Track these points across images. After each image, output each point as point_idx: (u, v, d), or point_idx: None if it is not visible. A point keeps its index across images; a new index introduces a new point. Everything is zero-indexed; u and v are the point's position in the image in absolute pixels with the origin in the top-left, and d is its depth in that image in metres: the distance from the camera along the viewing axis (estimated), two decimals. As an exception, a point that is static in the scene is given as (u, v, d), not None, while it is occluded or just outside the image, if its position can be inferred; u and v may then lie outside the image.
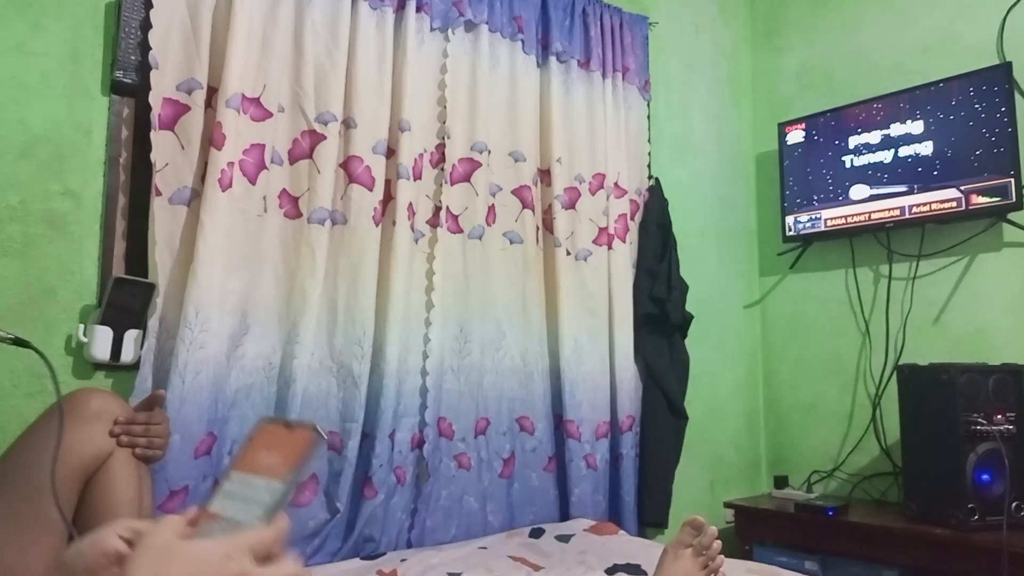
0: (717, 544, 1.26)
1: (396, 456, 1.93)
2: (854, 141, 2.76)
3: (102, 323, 1.58)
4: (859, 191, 2.73)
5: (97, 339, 1.58)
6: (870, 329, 2.77)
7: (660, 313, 2.54)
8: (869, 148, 2.72)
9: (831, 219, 2.80)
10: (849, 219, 2.75)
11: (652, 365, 2.51)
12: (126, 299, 1.60)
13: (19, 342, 1.13)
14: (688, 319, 2.62)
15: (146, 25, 1.67)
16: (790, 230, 2.91)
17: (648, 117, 2.72)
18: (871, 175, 2.70)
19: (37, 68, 1.59)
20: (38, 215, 1.58)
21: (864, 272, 2.81)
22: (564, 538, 1.98)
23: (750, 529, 2.60)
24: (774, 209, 3.05)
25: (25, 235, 1.56)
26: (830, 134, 2.83)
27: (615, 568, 1.72)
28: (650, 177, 2.69)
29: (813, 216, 2.84)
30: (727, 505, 2.68)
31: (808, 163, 2.88)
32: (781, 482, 2.80)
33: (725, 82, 3.14)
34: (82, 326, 1.59)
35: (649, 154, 2.71)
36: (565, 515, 2.24)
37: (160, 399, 1.34)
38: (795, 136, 2.92)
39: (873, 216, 2.69)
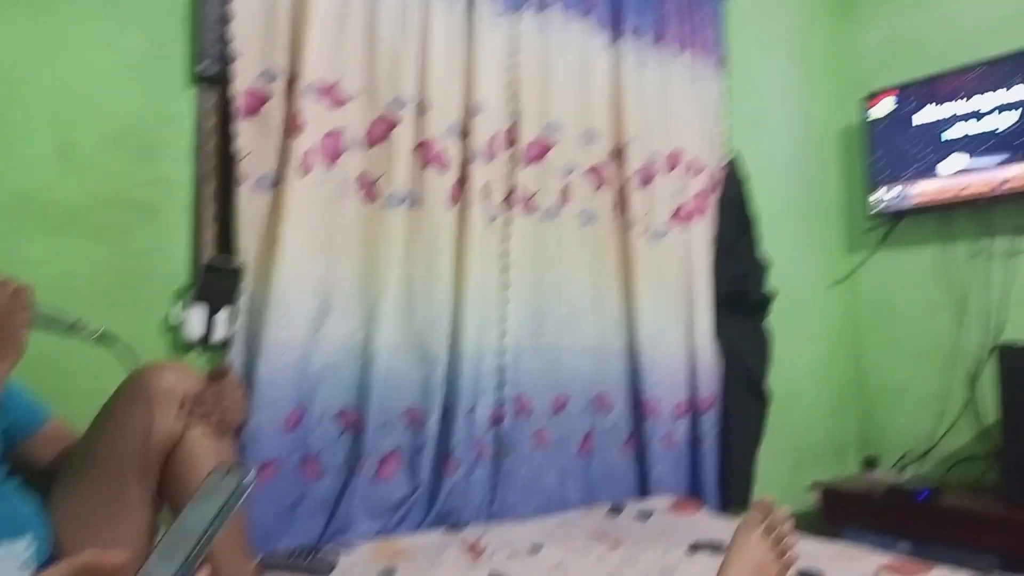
0: (788, 524, 1.23)
1: (476, 433, 1.95)
2: (945, 112, 2.62)
3: (195, 305, 1.66)
4: (951, 164, 2.60)
5: (190, 320, 1.66)
6: (966, 308, 2.64)
7: (739, 292, 2.48)
8: (961, 119, 2.58)
9: (921, 193, 2.67)
10: (941, 193, 2.62)
11: (732, 344, 2.46)
12: (216, 281, 1.68)
13: (103, 340, 1.17)
14: (769, 298, 2.56)
15: (227, 17, 1.74)
16: (877, 206, 2.79)
17: (723, 93, 2.65)
18: (964, 147, 2.56)
19: (126, 61, 1.67)
20: (131, 203, 1.66)
21: (958, 248, 2.68)
22: (645, 515, 1.97)
23: (838, 511, 2.53)
24: (858, 186, 2.93)
25: (120, 222, 1.64)
26: (918, 105, 2.70)
27: (697, 546, 1.69)
28: (727, 154, 2.63)
29: (901, 191, 2.72)
30: (815, 486, 2.61)
31: (894, 137, 2.75)
32: (871, 464, 2.70)
33: (802, 56, 3.04)
34: (176, 308, 1.67)
35: (725, 131, 2.65)
36: (644, 493, 2.22)
37: (227, 370, 1.31)
38: (880, 109, 2.80)
39: (967, 190, 2.55)
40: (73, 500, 1.17)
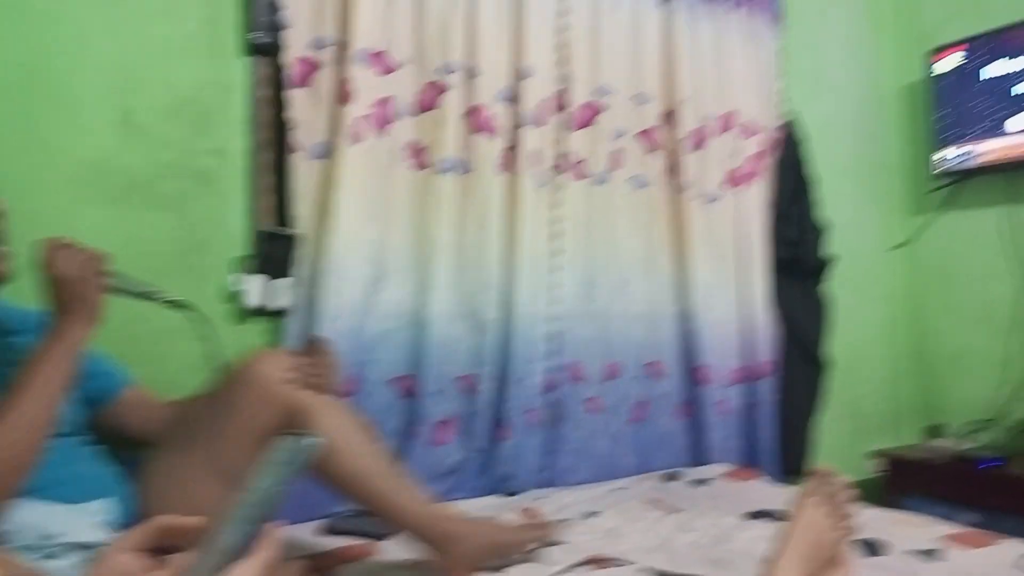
0: (847, 492, 1.20)
1: (528, 399, 1.96)
2: (1016, 65, 2.49)
3: (253, 272, 1.69)
4: (1019, 122, 2.48)
5: (250, 288, 1.69)
6: (1033, 270, 2.53)
7: (796, 257, 2.42)
8: (1031, 73, 2.45)
9: (987, 153, 2.55)
10: (1009, 152, 2.50)
11: (788, 310, 2.41)
12: (274, 250, 1.71)
13: (177, 305, 1.19)
14: (827, 262, 2.49)
15: (278, -15, 1.74)
16: (940, 166, 2.68)
17: (780, 51, 2.57)
18: (1034, 102, 2.44)
19: (181, 32, 1.69)
20: (189, 172, 1.69)
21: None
22: (700, 482, 1.96)
23: (900, 480, 2.47)
24: (921, 145, 2.82)
25: (178, 191, 1.68)
26: (987, 60, 2.56)
27: (753, 513, 1.67)
28: (784, 115, 2.55)
29: (966, 150, 2.61)
30: (877, 454, 2.55)
31: (961, 93, 2.63)
32: (934, 432, 2.63)
33: (864, 9, 2.92)
34: (235, 275, 1.70)
35: (782, 90, 2.56)
36: (699, 461, 2.20)
37: (322, 342, 1.38)
38: (946, 64, 2.67)
39: (1036, 148, 2.43)
40: (174, 479, 1.21)
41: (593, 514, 1.67)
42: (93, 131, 1.59)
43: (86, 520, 1.12)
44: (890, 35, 2.97)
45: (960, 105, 2.63)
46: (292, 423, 1.19)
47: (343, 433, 1.20)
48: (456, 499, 1.79)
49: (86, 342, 1.11)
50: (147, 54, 1.65)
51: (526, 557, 1.33)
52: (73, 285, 1.08)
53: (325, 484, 1.21)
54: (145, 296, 1.20)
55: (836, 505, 1.18)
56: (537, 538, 1.36)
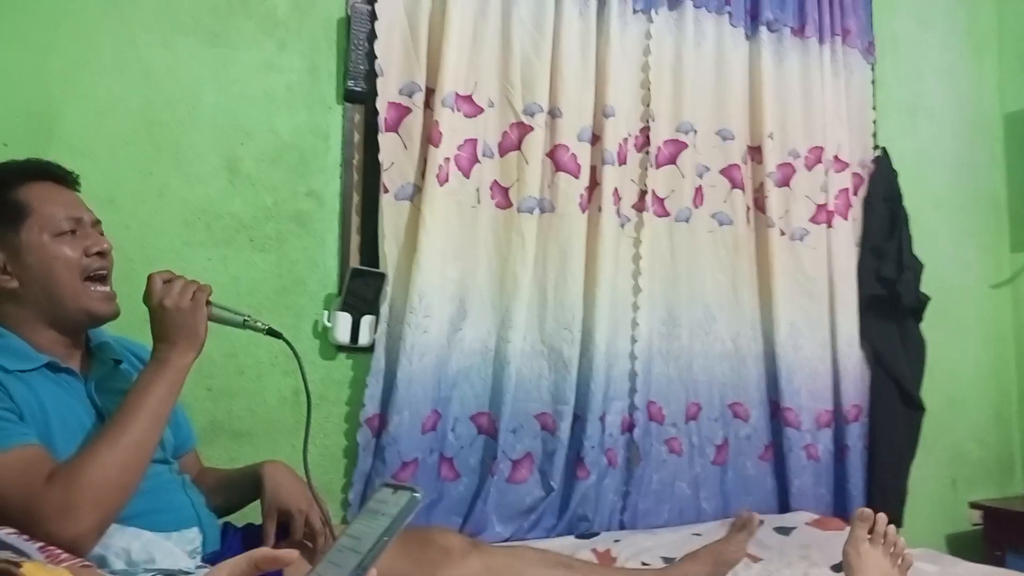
0: (891, 529, 1.22)
1: (607, 439, 1.96)
2: None
3: (342, 310, 1.76)
4: None
5: (338, 324, 1.76)
6: None
7: (889, 295, 2.33)
8: None
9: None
10: None
11: (881, 351, 2.32)
12: (362, 288, 1.78)
13: (272, 333, 1.26)
14: (923, 301, 2.39)
15: (372, 36, 1.82)
16: (1049, 198, 2.54)
17: (873, 82, 2.50)
18: None
19: (283, 82, 1.80)
20: (288, 214, 1.78)
21: None
22: (784, 530, 1.90)
23: (1001, 533, 2.33)
24: (1027, 176, 2.67)
25: (278, 232, 1.77)
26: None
27: (841, 566, 1.61)
28: (876, 147, 2.48)
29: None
30: (973, 506, 2.42)
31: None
32: (1040, 483, 2.47)
33: (964, 35, 2.80)
34: (326, 312, 1.78)
35: (875, 122, 2.49)
36: (784, 507, 2.14)
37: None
38: (1054, 89, 2.54)
39: None
40: None
41: (672, 560, 1.65)
42: (202, 178, 1.71)
43: (177, 548, 1.17)
44: (993, 60, 2.85)
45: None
46: None
47: None
48: (534, 538, 1.81)
49: (189, 369, 1.17)
50: (252, 105, 1.76)
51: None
52: (178, 314, 1.14)
53: None
54: (244, 324, 1.26)
55: (888, 543, 1.24)
56: (749, 536, 1.43)
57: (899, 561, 1.21)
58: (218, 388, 1.65)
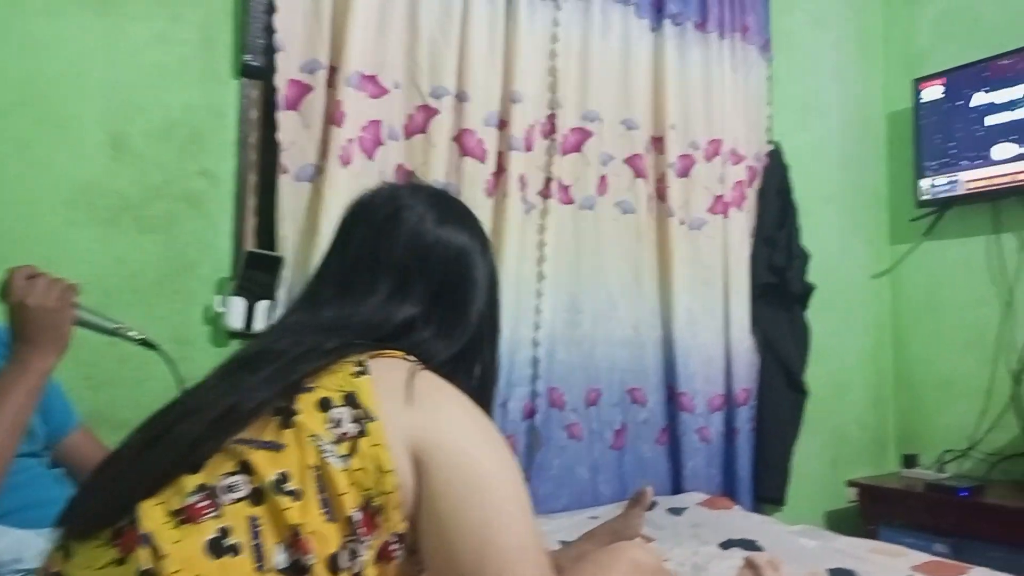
0: (782, 564, 1.21)
1: (508, 425, 1.97)
2: (1000, 96, 2.52)
3: (236, 294, 1.69)
4: (1004, 150, 2.51)
5: (232, 309, 1.69)
6: (1014, 299, 2.56)
7: (779, 283, 2.45)
8: (1018, 103, 2.48)
9: (971, 181, 2.59)
10: (992, 181, 2.54)
11: (770, 337, 2.44)
12: (257, 272, 1.71)
13: (146, 344, 1.20)
14: (809, 289, 2.51)
15: (271, 8, 1.75)
16: (925, 194, 2.71)
17: (769, 78, 2.59)
18: (1019, 132, 2.47)
19: (176, 55, 1.70)
20: (179, 194, 1.70)
21: (1009, 238, 2.60)
22: (677, 511, 1.97)
23: (875, 509, 2.50)
24: (906, 172, 2.85)
25: (168, 213, 1.68)
26: (972, 89, 2.60)
27: (729, 543, 1.69)
28: (770, 142, 2.58)
29: (951, 179, 2.64)
30: (850, 484, 2.58)
31: (947, 121, 2.67)
32: (910, 461, 2.66)
33: (854, 37, 2.95)
34: (218, 297, 1.71)
35: (769, 117, 2.59)
36: (678, 488, 2.22)
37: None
38: (932, 92, 2.71)
39: (1020, 177, 2.47)
40: None
41: (570, 543, 1.68)
42: (85, 154, 1.60)
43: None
44: (878, 63, 3.01)
45: (946, 134, 2.66)
46: None
47: None
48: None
49: (51, 372, 1.11)
50: (141, 78, 1.66)
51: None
52: (42, 314, 1.07)
53: None
54: (115, 333, 1.20)
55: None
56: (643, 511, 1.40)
57: None
58: (98, 377, 1.56)
